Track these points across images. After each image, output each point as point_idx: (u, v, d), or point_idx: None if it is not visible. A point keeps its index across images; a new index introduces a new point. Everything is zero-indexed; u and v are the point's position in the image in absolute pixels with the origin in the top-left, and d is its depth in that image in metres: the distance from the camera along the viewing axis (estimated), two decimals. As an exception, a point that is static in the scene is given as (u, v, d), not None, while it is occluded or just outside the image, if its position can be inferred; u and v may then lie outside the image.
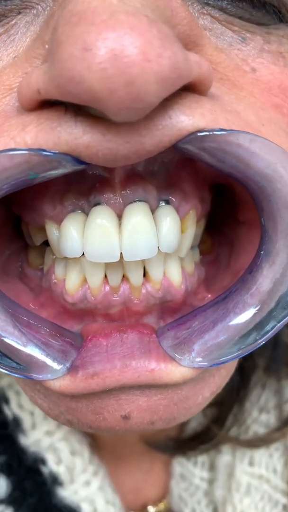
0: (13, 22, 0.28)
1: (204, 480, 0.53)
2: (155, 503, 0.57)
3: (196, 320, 0.30)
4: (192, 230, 0.32)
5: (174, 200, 0.31)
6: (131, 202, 0.29)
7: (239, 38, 0.29)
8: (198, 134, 0.24)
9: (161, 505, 0.57)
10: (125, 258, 0.29)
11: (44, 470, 0.47)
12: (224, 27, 0.29)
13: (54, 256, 0.33)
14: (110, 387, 0.28)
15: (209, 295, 0.35)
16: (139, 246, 0.29)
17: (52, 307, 0.33)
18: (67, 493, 0.47)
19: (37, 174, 0.25)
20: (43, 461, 0.47)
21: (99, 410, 0.29)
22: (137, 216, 0.29)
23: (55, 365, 0.28)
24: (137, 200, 0.30)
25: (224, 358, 0.29)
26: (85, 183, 0.30)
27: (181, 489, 0.54)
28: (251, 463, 0.51)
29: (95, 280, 0.31)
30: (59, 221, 0.30)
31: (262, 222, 0.28)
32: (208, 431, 0.52)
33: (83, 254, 0.30)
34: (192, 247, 0.35)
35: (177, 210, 0.31)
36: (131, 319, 0.32)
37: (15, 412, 0.47)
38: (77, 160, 0.24)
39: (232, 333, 0.29)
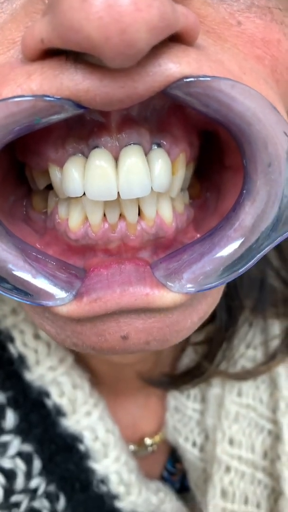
0: None
1: (196, 411, 0.58)
2: (151, 435, 0.62)
3: (185, 254, 0.33)
4: (182, 172, 0.35)
5: (165, 143, 0.34)
6: (126, 145, 0.32)
7: None
8: (185, 80, 0.27)
9: (157, 437, 0.62)
10: (122, 197, 0.32)
11: (48, 402, 0.51)
12: None
13: (57, 198, 0.36)
14: (111, 310, 0.31)
15: (198, 235, 0.38)
16: (134, 185, 0.32)
17: (57, 245, 0.36)
18: (70, 423, 0.52)
19: (41, 118, 0.27)
20: (47, 394, 0.51)
21: (101, 332, 0.33)
22: (132, 157, 0.32)
23: (63, 293, 0.32)
24: (132, 143, 0.32)
25: (209, 285, 0.32)
26: (84, 128, 0.32)
27: (175, 421, 0.59)
28: (239, 394, 0.56)
29: (95, 218, 0.34)
30: (61, 164, 0.33)
31: (244, 164, 0.31)
32: (200, 366, 0.56)
33: (84, 194, 0.33)
34: (182, 190, 0.38)
35: (168, 153, 0.33)
36: (128, 253, 0.35)
37: (20, 350, 0.51)
38: (77, 104, 0.27)
39: (217, 264, 0.32)
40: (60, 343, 0.36)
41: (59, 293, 0.32)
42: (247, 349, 0.57)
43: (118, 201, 0.34)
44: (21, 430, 0.51)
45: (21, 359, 0.51)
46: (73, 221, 0.34)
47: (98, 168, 0.31)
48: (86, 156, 0.33)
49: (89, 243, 0.34)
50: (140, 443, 0.62)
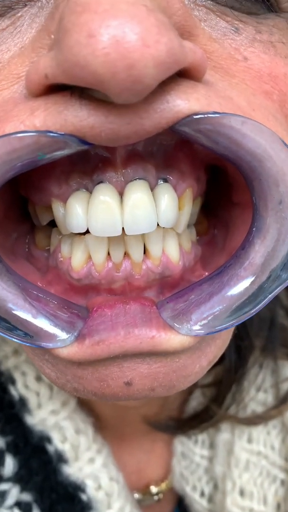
0: (19, 14, 0.30)
1: (204, 457, 0.56)
2: (157, 483, 0.59)
3: (193, 293, 0.32)
4: (189, 207, 0.35)
5: (172, 178, 0.33)
6: (131, 180, 0.32)
7: (232, 28, 0.32)
8: (194, 116, 0.27)
9: (163, 485, 0.59)
10: (127, 232, 0.31)
11: (50, 448, 0.49)
12: (218, 18, 0.32)
13: (60, 236, 0.36)
14: (114, 354, 0.30)
15: (206, 273, 0.37)
16: (139, 221, 0.31)
17: (59, 284, 0.35)
18: (72, 470, 0.49)
19: (44, 154, 0.27)
20: (48, 440, 0.49)
21: (104, 377, 0.31)
22: (138, 192, 0.31)
23: (64, 335, 0.31)
24: (137, 178, 0.32)
25: (219, 327, 0.31)
26: (88, 163, 0.32)
27: (183, 467, 0.56)
28: (249, 440, 0.54)
29: (99, 256, 0.33)
30: (64, 200, 0.33)
31: (253, 201, 0.30)
32: (208, 410, 0.54)
33: (87, 230, 0.32)
34: (189, 226, 0.37)
35: (175, 188, 0.33)
36: (132, 293, 0.34)
37: (21, 392, 0.49)
38: (82, 140, 0.27)
39: (227, 304, 0.31)
40: (60, 387, 0.35)
41: (60, 334, 0.31)
42: (258, 392, 0.55)
43: (122, 239, 0.33)
44: (20, 478, 0.49)
45: (22, 402, 0.49)
46: (76, 259, 0.34)
47: (103, 203, 0.31)
48: (90, 191, 0.32)
49: (92, 282, 0.34)
50: (145, 491, 0.59)
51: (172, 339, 0.31)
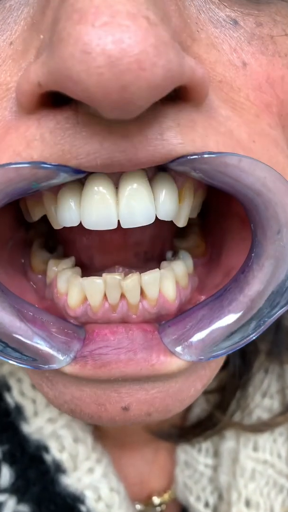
0: (7, 4, 0.29)
1: (208, 466, 0.54)
2: (160, 493, 0.57)
3: (193, 318, 0.33)
4: (190, 200, 0.33)
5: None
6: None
7: (231, 22, 0.30)
8: (188, 157, 0.27)
9: (166, 496, 0.57)
10: (123, 225, 0.30)
11: (47, 457, 0.48)
12: (217, 8, 0.30)
13: (57, 269, 0.36)
14: (114, 377, 0.31)
15: (203, 297, 0.37)
16: (136, 213, 0.30)
17: (56, 313, 0.35)
18: (70, 481, 0.48)
19: (39, 184, 0.27)
20: (46, 449, 0.48)
21: (102, 401, 0.32)
22: (134, 183, 0.30)
23: (59, 356, 0.31)
24: None
25: (219, 352, 0.32)
26: None
27: (186, 477, 0.55)
28: (255, 448, 0.52)
29: (95, 299, 0.33)
30: (56, 192, 0.31)
31: (252, 229, 0.31)
32: (212, 417, 0.52)
33: (80, 224, 0.31)
34: (184, 256, 0.38)
35: (175, 178, 0.32)
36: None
37: (17, 399, 0.48)
38: (76, 170, 0.27)
39: (226, 329, 0.31)
40: (56, 407, 0.35)
41: (57, 355, 0.31)
42: (263, 398, 0.53)
43: (119, 283, 0.33)
44: (17, 489, 0.47)
45: (18, 409, 0.48)
46: (72, 299, 0.34)
47: (96, 194, 0.29)
48: (82, 182, 0.31)
49: (89, 321, 0.34)
50: (147, 502, 0.57)
51: (171, 363, 0.31)
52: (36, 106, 0.26)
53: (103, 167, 0.26)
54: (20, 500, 0.47)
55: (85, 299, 0.33)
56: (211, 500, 0.53)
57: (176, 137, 0.26)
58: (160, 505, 0.57)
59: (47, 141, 0.26)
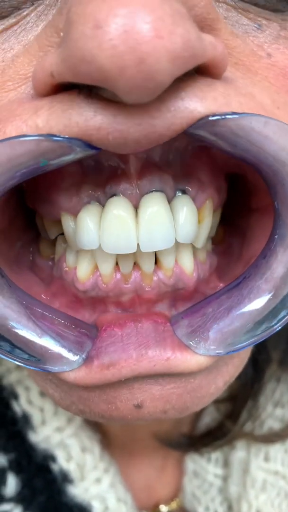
0: (25, 13, 0.28)
1: (218, 477, 0.53)
2: (167, 502, 0.57)
3: (210, 307, 0.30)
4: (209, 220, 0.32)
5: (190, 189, 0.31)
6: (147, 192, 0.30)
7: (255, 25, 0.29)
8: (210, 118, 0.24)
9: (174, 504, 0.57)
10: (142, 249, 0.29)
11: (54, 467, 0.47)
12: (239, 15, 0.29)
13: (66, 245, 0.33)
14: (125, 377, 0.28)
15: (221, 284, 0.35)
16: (156, 237, 0.29)
17: (64, 296, 0.33)
18: (77, 491, 0.47)
19: (47, 160, 0.25)
20: (53, 458, 0.47)
21: (112, 399, 0.30)
22: (154, 206, 0.29)
23: (71, 356, 0.29)
24: (154, 190, 0.30)
25: (239, 345, 0.29)
26: (101, 175, 0.30)
27: (194, 487, 0.54)
28: (266, 459, 0.51)
29: (106, 267, 0.31)
30: (75, 213, 0.31)
31: (275, 206, 0.28)
32: (222, 427, 0.51)
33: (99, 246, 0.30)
34: None
35: (194, 199, 0.31)
36: (142, 307, 0.32)
37: (24, 408, 0.47)
38: (88, 144, 0.24)
39: (247, 320, 0.29)
40: (64, 408, 0.33)
41: (67, 356, 0.29)
42: (275, 407, 0.52)
43: None
44: (23, 498, 0.47)
45: (26, 418, 0.47)
46: (81, 270, 0.31)
47: (116, 218, 0.29)
48: (102, 204, 0.30)
49: (99, 294, 0.32)
50: (154, 509, 0.56)
51: (189, 360, 0.29)
52: (50, 92, 0.25)
53: (116, 145, 0.24)
54: (26, 510, 0.46)
55: (95, 269, 0.31)
56: (221, 511, 0.52)
57: (197, 95, 0.24)
58: (167, 514, 0.56)
59: (55, 109, 0.24)
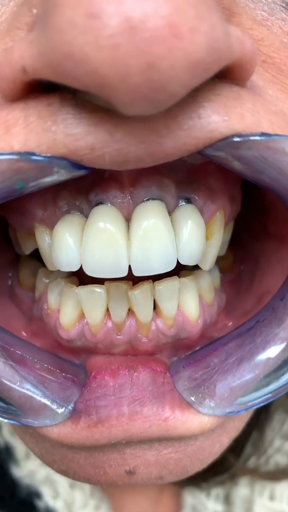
0: None
1: (218, 514, 0.49)
2: (163, 536, 0.52)
3: (216, 356, 0.26)
4: (219, 236, 0.28)
5: (197, 198, 0.27)
6: (142, 201, 0.25)
7: (282, 3, 0.25)
8: (234, 139, 0.20)
9: (170, 539, 0.52)
10: (135, 273, 0.25)
11: (39, 504, 0.43)
12: None
13: (47, 280, 0.29)
14: (116, 438, 0.24)
15: (230, 323, 0.31)
16: (152, 257, 0.24)
17: (46, 338, 0.29)
18: (65, 531, 0.43)
19: (25, 183, 0.21)
20: (38, 495, 0.43)
21: (100, 463, 0.26)
22: (150, 218, 0.24)
23: (55, 408, 0.25)
24: (150, 199, 0.25)
25: (252, 402, 0.25)
26: (84, 178, 0.25)
27: (193, 523, 0.50)
28: (271, 497, 0.47)
29: (95, 315, 0.27)
30: (51, 225, 0.26)
31: None
32: (224, 461, 0.47)
33: (81, 268, 0.25)
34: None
35: (201, 211, 0.26)
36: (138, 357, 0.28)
37: (7, 439, 0.43)
38: (76, 164, 0.20)
39: (261, 371, 0.25)
40: (47, 465, 0.29)
41: (51, 407, 0.25)
42: (283, 441, 0.47)
43: (126, 293, 0.26)
44: (6, 535, 0.42)
45: (8, 450, 0.43)
46: (65, 316, 0.27)
47: (102, 233, 0.24)
48: (85, 215, 0.25)
49: (86, 345, 0.27)
50: None
51: (190, 421, 0.25)
52: (22, 93, 0.20)
53: (113, 164, 0.20)
54: None
55: (82, 315, 0.27)
56: None
57: (219, 111, 0.20)
58: None
59: (33, 127, 0.20)
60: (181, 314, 0.27)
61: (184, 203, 0.26)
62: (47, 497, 0.43)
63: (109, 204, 0.25)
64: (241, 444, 0.47)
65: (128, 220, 0.25)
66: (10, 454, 0.43)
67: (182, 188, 0.26)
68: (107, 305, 0.27)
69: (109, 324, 0.27)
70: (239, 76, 0.21)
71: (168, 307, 0.27)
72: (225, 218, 0.28)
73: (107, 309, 0.27)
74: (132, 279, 0.29)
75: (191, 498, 0.50)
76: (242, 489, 0.48)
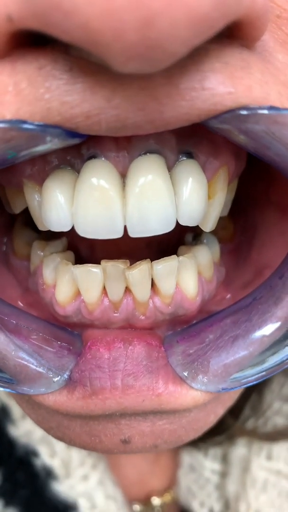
0: None
1: (215, 473, 0.50)
2: (160, 493, 0.53)
3: (211, 332, 0.26)
4: (222, 195, 0.26)
5: (199, 153, 0.25)
6: (139, 155, 0.23)
7: None
8: (240, 112, 0.19)
9: (167, 496, 0.54)
10: (131, 234, 0.24)
11: (37, 462, 0.43)
12: None
13: (42, 253, 0.28)
14: (110, 410, 0.25)
15: (229, 295, 0.31)
16: (150, 217, 0.23)
17: (41, 311, 0.29)
18: (62, 488, 0.44)
19: (16, 152, 0.20)
20: (35, 454, 0.43)
21: (96, 432, 0.26)
22: (148, 174, 0.23)
23: (50, 376, 0.25)
24: (148, 152, 0.23)
25: (246, 380, 0.25)
26: None
27: (190, 481, 0.51)
28: (268, 457, 0.48)
29: (91, 294, 0.26)
30: (40, 181, 0.25)
31: None
32: (222, 423, 0.47)
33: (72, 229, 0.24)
34: (208, 239, 0.30)
35: (203, 167, 0.25)
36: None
37: (3, 400, 0.43)
38: (70, 132, 0.19)
39: (256, 349, 0.25)
40: (44, 430, 0.30)
41: (46, 375, 0.25)
42: (282, 403, 0.47)
43: (123, 272, 0.25)
44: (4, 492, 0.44)
45: (4, 410, 0.43)
46: (61, 293, 0.26)
47: (95, 190, 0.22)
48: (77, 170, 0.24)
49: (83, 322, 0.27)
50: (146, 502, 0.53)
51: (183, 396, 0.24)
52: (8, 47, 0.19)
53: (110, 130, 0.19)
54: (7, 503, 0.44)
55: (78, 293, 0.27)
56: (217, 507, 0.50)
57: (225, 82, 0.18)
58: (160, 506, 0.53)
59: (25, 95, 0.19)
60: (179, 292, 0.26)
61: (185, 158, 0.24)
62: (44, 456, 0.43)
63: (103, 158, 0.23)
64: (240, 406, 0.48)
65: (123, 176, 0.23)
66: (7, 414, 0.43)
67: (183, 142, 0.25)
68: (104, 284, 0.26)
69: (106, 302, 0.26)
70: (249, 36, 0.19)
71: (166, 286, 0.26)
72: (229, 176, 0.26)
73: (104, 288, 0.26)
74: (129, 256, 0.28)
75: (189, 457, 0.51)
76: (239, 449, 0.48)
